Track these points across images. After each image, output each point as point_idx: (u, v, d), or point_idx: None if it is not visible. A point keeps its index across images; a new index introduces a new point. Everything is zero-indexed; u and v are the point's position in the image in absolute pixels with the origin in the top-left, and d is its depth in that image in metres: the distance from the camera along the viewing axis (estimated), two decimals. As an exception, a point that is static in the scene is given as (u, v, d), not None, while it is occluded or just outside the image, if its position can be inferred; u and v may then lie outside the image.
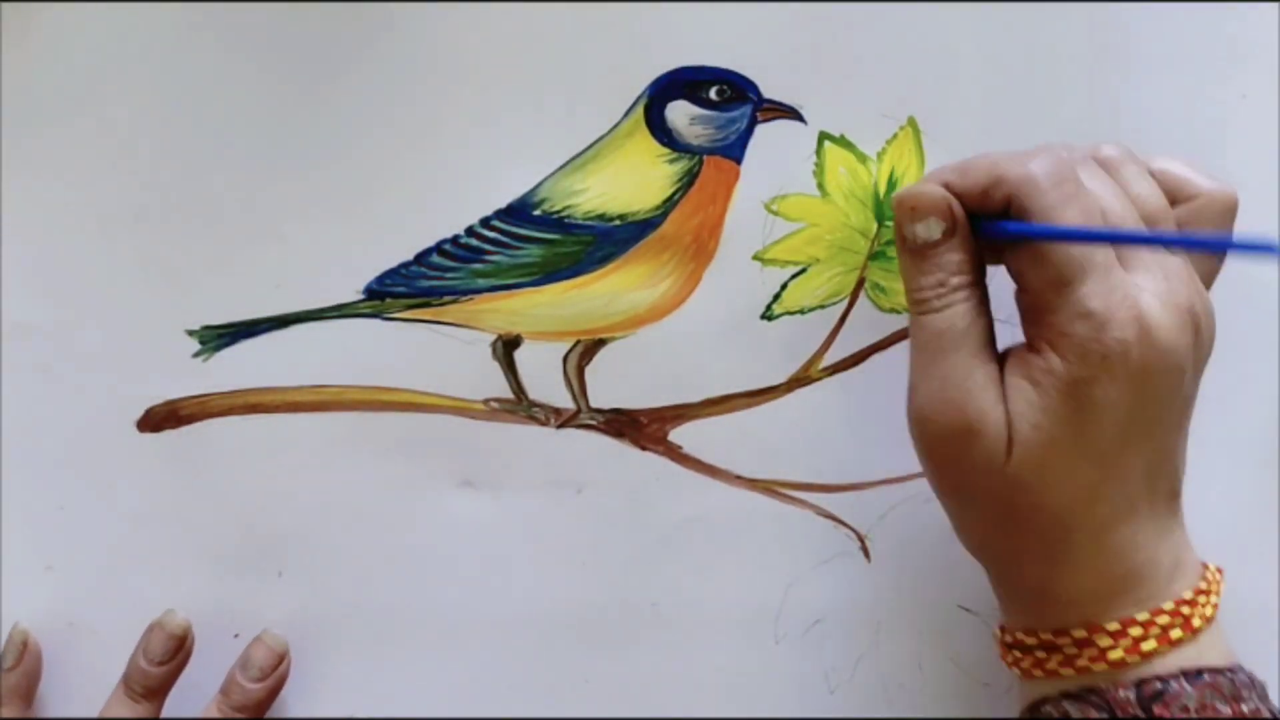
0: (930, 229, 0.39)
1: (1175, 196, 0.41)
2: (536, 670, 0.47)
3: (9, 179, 0.44)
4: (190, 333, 0.45)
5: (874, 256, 0.46)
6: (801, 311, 0.46)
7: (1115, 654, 0.38)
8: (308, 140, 0.44)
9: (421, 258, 0.45)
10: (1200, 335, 0.39)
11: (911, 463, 0.43)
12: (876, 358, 0.46)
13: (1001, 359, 0.40)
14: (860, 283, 0.46)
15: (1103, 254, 0.37)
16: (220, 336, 0.45)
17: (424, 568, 0.47)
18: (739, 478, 0.47)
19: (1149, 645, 0.39)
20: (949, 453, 0.39)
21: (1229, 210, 0.41)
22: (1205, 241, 0.37)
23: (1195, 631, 0.39)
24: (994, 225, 0.39)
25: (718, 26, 0.44)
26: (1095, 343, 0.37)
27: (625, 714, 0.47)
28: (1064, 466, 0.38)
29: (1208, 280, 0.41)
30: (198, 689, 0.46)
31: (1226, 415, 0.47)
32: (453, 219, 0.45)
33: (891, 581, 0.47)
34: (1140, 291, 0.37)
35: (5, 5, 0.43)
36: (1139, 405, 0.38)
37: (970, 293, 0.39)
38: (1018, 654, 0.41)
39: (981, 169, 0.39)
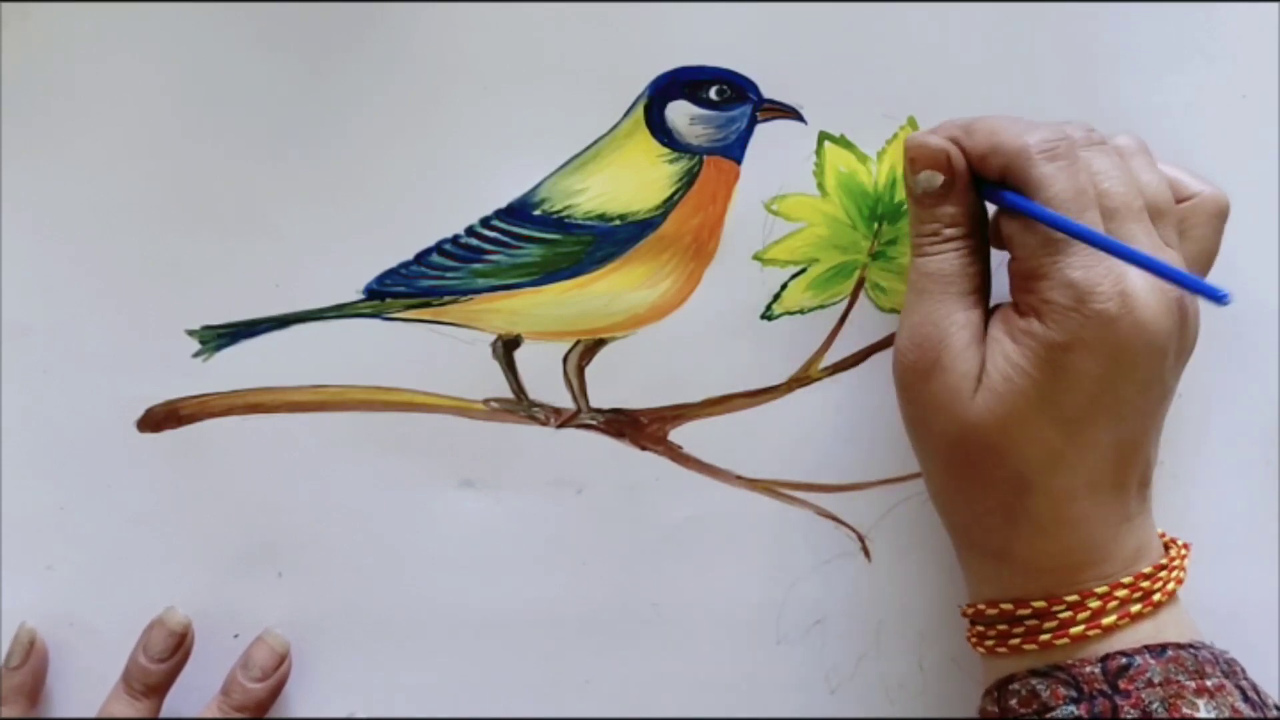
0: (930, 180, 0.41)
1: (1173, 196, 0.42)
2: (536, 670, 0.47)
3: (9, 179, 0.44)
4: (190, 333, 0.45)
5: (874, 256, 0.46)
6: (801, 311, 0.46)
7: (1076, 628, 0.39)
8: (308, 140, 0.44)
9: (421, 257, 0.45)
10: (1185, 326, 0.40)
11: (912, 463, 0.43)
12: (877, 358, 0.46)
13: (991, 313, 0.41)
14: (860, 282, 0.46)
15: (1092, 226, 0.38)
16: (220, 336, 0.45)
17: (424, 568, 0.47)
18: (739, 478, 0.47)
19: (1109, 619, 0.39)
20: (913, 384, 0.41)
21: (1221, 213, 0.42)
22: (1166, 270, 0.38)
23: (1156, 606, 0.40)
24: (991, 192, 0.41)
25: (718, 26, 0.44)
26: (1075, 312, 0.38)
27: (625, 714, 0.47)
28: (1028, 424, 0.39)
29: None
30: (198, 689, 0.46)
31: (1226, 415, 0.47)
32: (453, 219, 0.45)
33: (892, 581, 0.47)
34: (1128, 269, 0.38)
35: (5, 5, 0.43)
36: (1113, 380, 0.38)
37: (963, 244, 0.41)
38: (981, 628, 0.41)
39: (983, 134, 0.41)
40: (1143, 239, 0.39)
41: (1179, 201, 0.41)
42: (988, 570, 0.41)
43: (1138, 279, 0.38)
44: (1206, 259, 0.42)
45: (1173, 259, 0.40)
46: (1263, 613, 0.48)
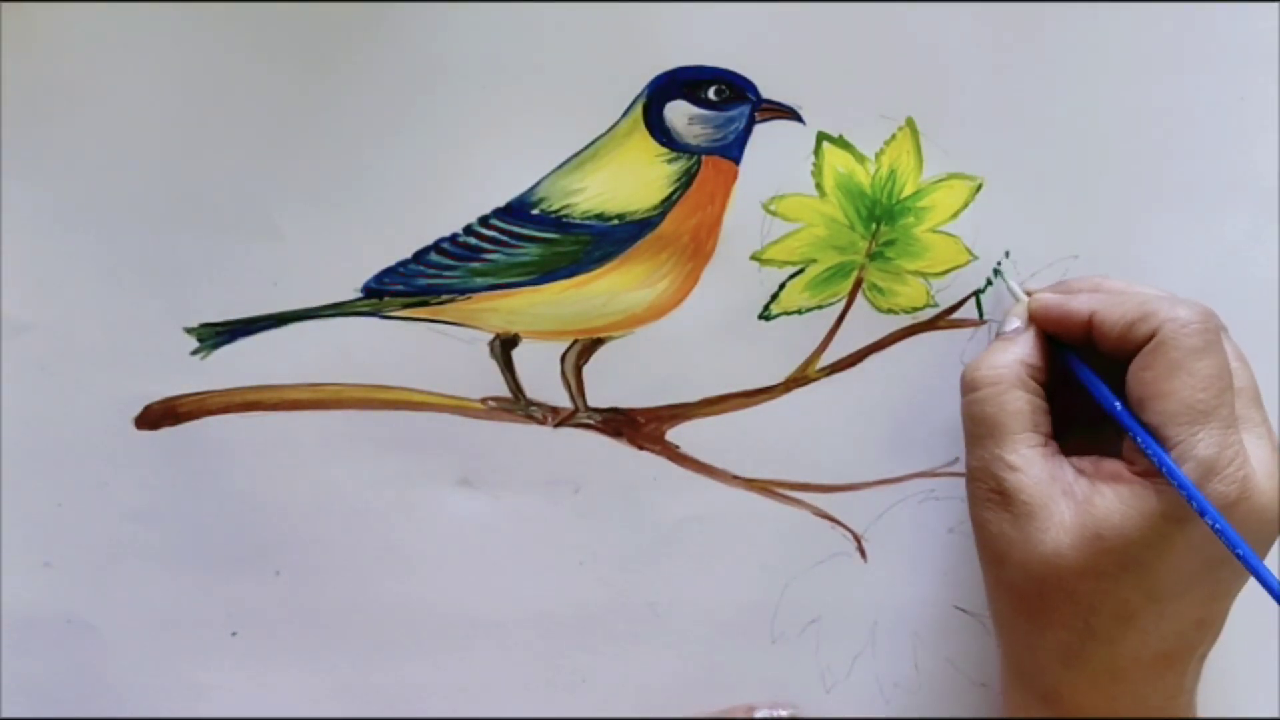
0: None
1: None
2: (534, 670, 0.47)
3: (9, 179, 0.44)
4: (188, 330, 0.45)
5: (872, 257, 0.46)
6: (799, 311, 0.46)
7: None
8: (306, 138, 0.44)
9: (420, 256, 0.45)
10: None
11: (908, 463, 0.43)
12: (874, 358, 0.46)
13: (1087, 452, 0.40)
14: (858, 283, 0.46)
15: (1228, 408, 0.38)
16: (218, 334, 0.46)
17: (422, 567, 0.47)
18: (736, 477, 0.47)
19: None
20: (994, 511, 0.40)
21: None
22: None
23: None
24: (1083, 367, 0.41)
25: (718, 26, 0.44)
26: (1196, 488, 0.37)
27: (622, 714, 0.47)
28: (1111, 580, 0.38)
29: None
30: (198, 688, 0.46)
31: (1224, 416, 0.47)
32: (451, 217, 0.45)
33: (888, 581, 0.47)
34: (1252, 451, 0.38)
35: (5, 5, 0.43)
36: (1216, 562, 0.38)
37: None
38: None
39: (1133, 303, 0.40)
40: (1260, 423, 0.39)
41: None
42: (1030, 707, 0.41)
43: (1259, 464, 0.37)
44: None
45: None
46: (1263, 613, 0.48)
